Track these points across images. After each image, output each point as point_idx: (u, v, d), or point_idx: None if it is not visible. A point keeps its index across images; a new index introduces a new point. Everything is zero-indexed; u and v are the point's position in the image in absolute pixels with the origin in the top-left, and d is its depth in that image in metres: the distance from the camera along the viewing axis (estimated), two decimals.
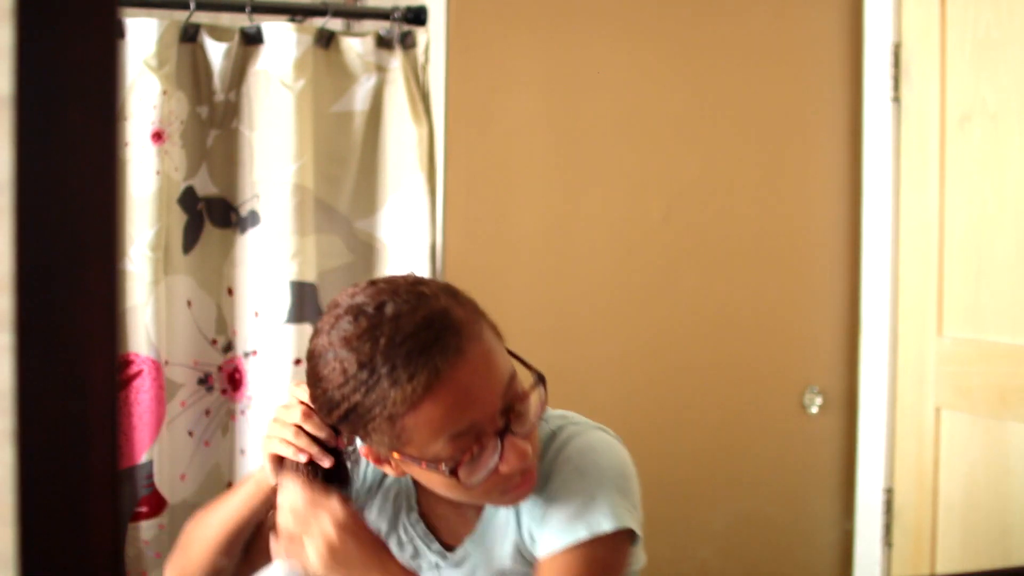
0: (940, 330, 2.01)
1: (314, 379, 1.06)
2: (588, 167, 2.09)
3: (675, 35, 2.13)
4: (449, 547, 1.19)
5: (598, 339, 2.08)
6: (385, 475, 1.23)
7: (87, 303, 0.60)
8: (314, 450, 1.09)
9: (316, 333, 1.06)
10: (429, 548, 1.19)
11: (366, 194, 2.03)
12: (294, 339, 1.93)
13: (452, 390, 0.99)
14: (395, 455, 1.05)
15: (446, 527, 1.20)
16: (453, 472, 1.02)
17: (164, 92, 1.89)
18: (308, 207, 1.95)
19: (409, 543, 1.20)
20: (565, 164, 2.08)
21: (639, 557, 1.17)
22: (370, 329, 1.00)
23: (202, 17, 1.98)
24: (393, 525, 1.22)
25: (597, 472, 1.10)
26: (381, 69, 2.02)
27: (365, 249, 2.03)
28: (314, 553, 1.04)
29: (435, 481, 1.07)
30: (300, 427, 1.09)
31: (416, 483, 1.21)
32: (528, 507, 1.13)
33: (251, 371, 1.97)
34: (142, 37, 1.89)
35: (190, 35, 1.95)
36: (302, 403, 1.10)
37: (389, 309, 1.01)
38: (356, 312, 1.02)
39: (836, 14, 2.17)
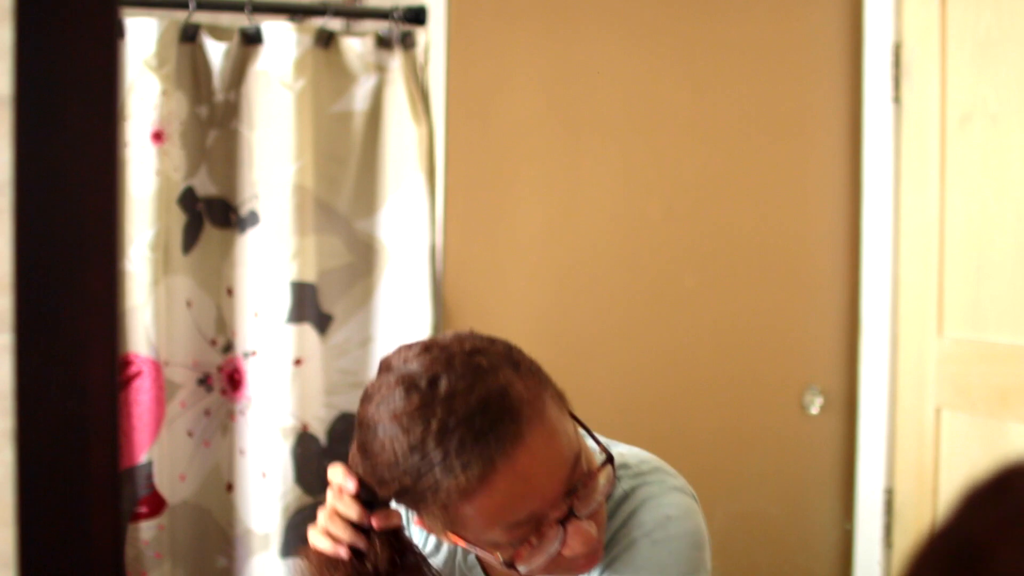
0: (940, 330, 2.01)
1: (364, 451, 0.99)
2: (588, 167, 2.09)
3: (675, 35, 2.13)
4: None
5: (598, 339, 2.08)
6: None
7: (87, 303, 0.60)
8: (348, 536, 1.01)
9: (367, 398, 1.00)
10: None
11: (366, 194, 2.03)
12: (294, 339, 1.93)
13: (509, 481, 0.92)
14: (450, 535, 1.00)
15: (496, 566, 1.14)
16: (511, 564, 0.97)
17: (164, 92, 1.89)
18: (308, 207, 1.95)
19: None
20: (565, 164, 2.08)
21: None
22: (422, 408, 0.93)
23: (202, 17, 1.98)
24: (449, 569, 1.17)
25: (675, 552, 1.04)
26: (381, 69, 2.02)
27: (365, 249, 2.03)
28: None
29: (492, 562, 1.02)
30: (335, 512, 1.02)
31: None
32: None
33: (251, 371, 1.97)
34: (142, 37, 1.89)
35: (190, 35, 1.95)
36: (335, 483, 1.03)
37: (443, 386, 0.93)
38: (408, 385, 0.95)
39: (836, 14, 2.17)
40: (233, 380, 2.00)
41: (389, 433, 0.95)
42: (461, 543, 1.00)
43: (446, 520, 0.97)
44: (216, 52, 1.96)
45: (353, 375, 2.01)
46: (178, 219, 1.95)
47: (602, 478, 0.99)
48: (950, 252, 1.99)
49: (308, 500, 1.94)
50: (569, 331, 2.08)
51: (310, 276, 1.96)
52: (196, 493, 1.98)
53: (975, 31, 1.93)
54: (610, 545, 1.06)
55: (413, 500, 0.97)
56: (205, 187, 1.99)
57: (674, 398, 2.13)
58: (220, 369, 2.00)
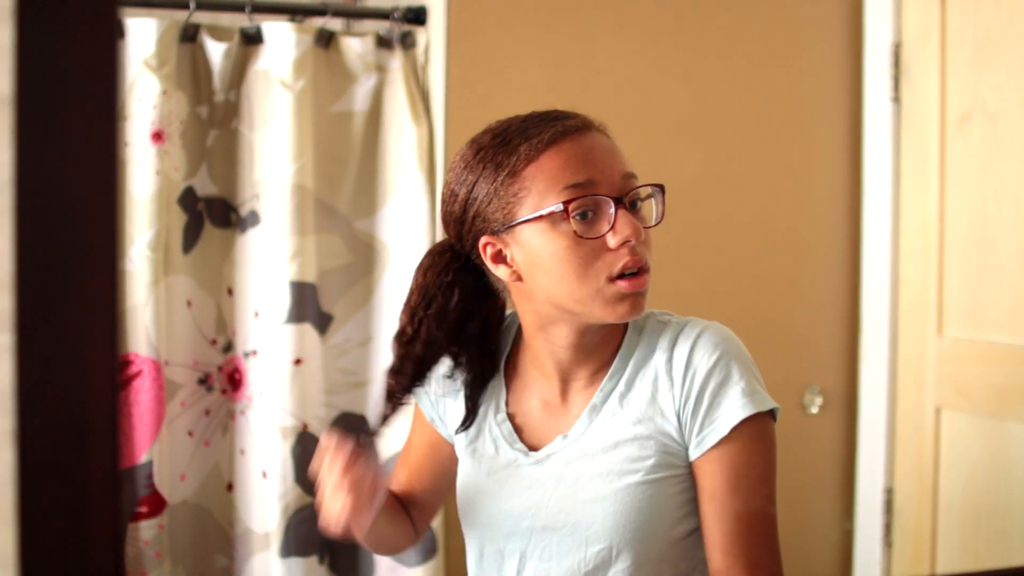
0: (940, 330, 2.01)
1: (445, 186, 1.17)
2: None
3: (675, 35, 2.13)
4: (533, 448, 1.20)
5: None
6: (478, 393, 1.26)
7: (87, 303, 0.60)
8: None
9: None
10: (512, 446, 1.20)
11: (366, 194, 2.03)
12: (294, 339, 1.93)
13: (575, 145, 1.10)
14: (511, 237, 1.10)
15: (532, 429, 1.20)
16: (566, 212, 1.07)
17: (164, 92, 1.89)
18: (308, 207, 1.95)
19: (492, 441, 1.22)
20: None
21: None
22: (506, 119, 1.16)
23: (202, 17, 1.98)
24: (479, 430, 1.24)
25: (742, 357, 1.16)
26: (381, 69, 2.02)
27: (365, 249, 2.03)
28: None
29: (546, 257, 1.09)
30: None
31: (507, 387, 1.23)
32: (669, 391, 1.13)
33: (251, 371, 1.97)
34: (142, 37, 1.89)
35: (190, 35, 1.95)
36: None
37: (526, 114, 1.15)
38: (481, 132, 1.18)
39: (836, 14, 2.17)
40: (233, 380, 2.00)
41: (472, 143, 1.15)
42: (520, 247, 1.10)
43: (510, 198, 1.09)
44: (216, 52, 1.96)
45: (353, 375, 2.01)
46: (178, 219, 1.95)
47: (653, 202, 1.15)
48: (950, 252, 1.99)
49: (308, 500, 1.94)
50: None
51: (310, 276, 1.96)
52: (196, 493, 1.98)
53: (975, 31, 1.93)
54: (672, 344, 1.16)
55: (484, 190, 1.11)
56: (205, 187, 1.99)
57: None
58: (220, 369, 2.00)
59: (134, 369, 1.89)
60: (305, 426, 1.94)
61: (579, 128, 1.12)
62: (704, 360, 1.13)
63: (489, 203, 1.11)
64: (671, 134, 2.13)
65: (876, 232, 2.13)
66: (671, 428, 1.13)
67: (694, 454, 1.12)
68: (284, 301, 1.93)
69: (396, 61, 2.01)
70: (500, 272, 1.14)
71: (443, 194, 1.17)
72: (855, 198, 2.17)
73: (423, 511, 1.34)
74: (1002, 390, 1.89)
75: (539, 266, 1.10)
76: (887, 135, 2.10)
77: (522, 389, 1.22)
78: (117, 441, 0.61)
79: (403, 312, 1.20)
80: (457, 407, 1.26)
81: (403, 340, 1.19)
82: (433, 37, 2.00)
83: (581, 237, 1.07)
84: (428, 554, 1.94)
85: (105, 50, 0.60)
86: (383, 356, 1.99)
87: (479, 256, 1.15)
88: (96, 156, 0.60)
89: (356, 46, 2.01)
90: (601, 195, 1.08)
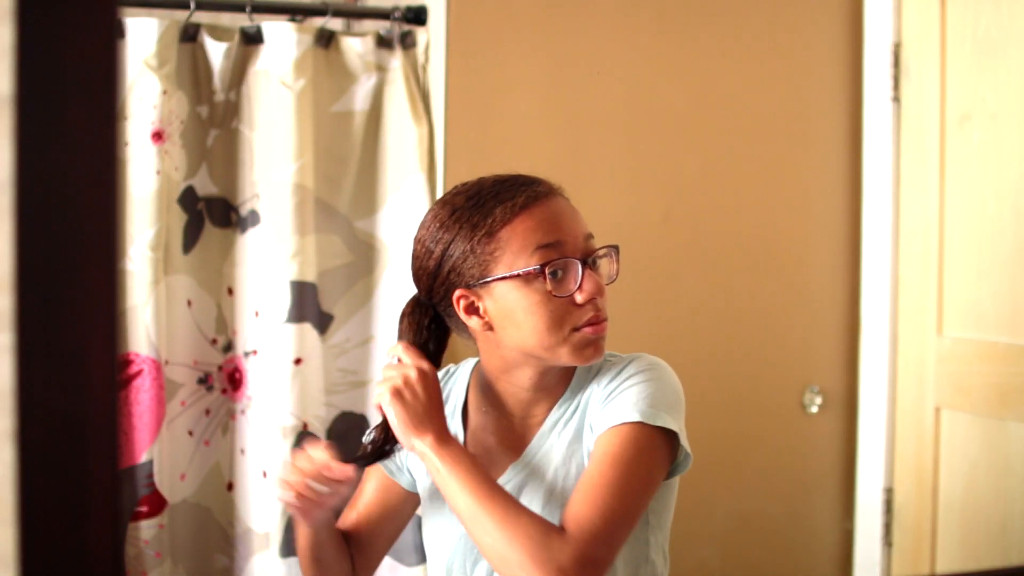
0: (940, 330, 2.01)
1: (416, 243, 1.25)
2: (588, 167, 2.09)
3: (675, 35, 2.13)
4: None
5: None
6: None
7: (87, 303, 0.60)
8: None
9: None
10: None
11: (366, 194, 2.03)
12: (294, 339, 1.93)
13: (545, 210, 1.20)
14: (484, 290, 1.19)
15: (491, 464, 1.28)
16: (540, 272, 1.17)
17: (164, 92, 1.89)
18: (308, 207, 1.95)
19: None
20: (564, 164, 2.08)
21: (682, 466, 1.28)
22: (477, 183, 1.25)
23: (202, 17, 1.97)
24: None
25: (662, 383, 1.23)
26: (381, 69, 2.02)
27: (365, 249, 2.03)
28: (388, 392, 1.20)
29: (519, 310, 1.19)
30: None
31: (465, 421, 1.31)
32: (593, 409, 1.24)
33: (251, 371, 1.97)
34: (142, 37, 1.89)
35: (190, 35, 1.95)
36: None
37: (490, 177, 1.26)
38: (459, 185, 1.27)
39: (836, 14, 2.17)
40: (233, 379, 2.00)
41: (444, 202, 1.24)
42: (493, 300, 1.20)
43: (486, 257, 1.18)
44: (216, 52, 1.96)
45: (353, 374, 2.01)
46: (178, 219, 1.95)
47: (610, 261, 1.24)
48: (950, 252, 1.99)
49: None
50: None
51: (310, 275, 1.96)
52: (196, 492, 1.98)
53: (974, 31, 1.93)
54: (609, 375, 1.24)
55: (460, 247, 1.20)
56: (205, 187, 1.99)
57: None
58: (220, 368, 2.00)
59: (134, 369, 1.89)
60: (305, 426, 1.94)
61: (547, 193, 1.23)
62: (625, 373, 1.23)
63: (465, 260, 1.20)
64: (671, 133, 2.13)
65: (876, 232, 2.13)
66: (589, 437, 1.24)
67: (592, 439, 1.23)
68: (284, 301, 1.93)
69: (396, 61, 2.01)
70: (472, 322, 1.23)
71: (416, 251, 1.26)
72: (855, 198, 2.17)
73: (367, 555, 1.40)
74: (1002, 390, 1.89)
75: (511, 318, 1.20)
76: (887, 135, 2.10)
77: (480, 429, 1.31)
78: (117, 441, 0.61)
79: None
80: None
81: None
82: (433, 37, 2.00)
83: (553, 295, 1.18)
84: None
85: (105, 50, 0.60)
86: (383, 356, 1.99)
87: (449, 307, 1.24)
88: (96, 156, 0.60)
89: (356, 46, 2.01)
90: (570, 256, 1.19)
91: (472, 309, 1.22)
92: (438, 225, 1.22)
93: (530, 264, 1.18)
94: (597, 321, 1.20)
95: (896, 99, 2.09)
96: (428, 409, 1.20)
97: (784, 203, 2.19)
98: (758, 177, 2.17)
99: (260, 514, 1.95)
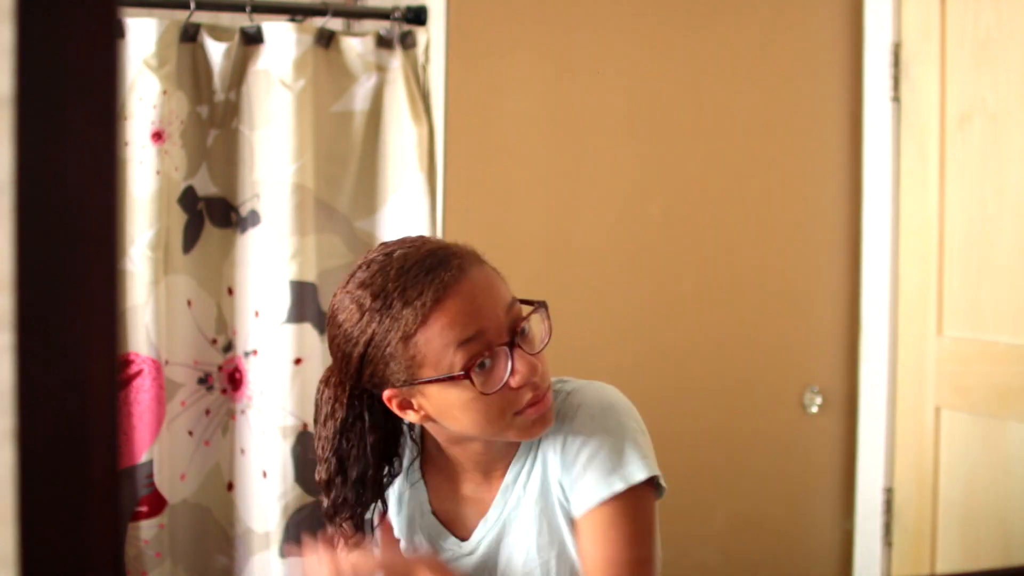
0: (940, 330, 2.01)
1: (333, 329, 1.15)
2: (588, 167, 2.09)
3: (675, 35, 2.13)
4: (464, 539, 1.25)
5: (598, 339, 2.08)
6: (401, 494, 1.28)
7: (87, 303, 0.60)
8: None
9: (334, 296, 1.17)
10: (444, 543, 1.25)
11: (366, 194, 2.03)
12: (294, 339, 1.93)
13: (457, 300, 1.09)
14: (415, 390, 1.12)
15: (459, 521, 1.25)
16: (467, 375, 1.08)
17: (164, 92, 1.89)
18: (308, 207, 1.95)
19: (428, 543, 1.26)
20: (565, 164, 2.08)
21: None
22: (381, 269, 1.12)
23: (202, 17, 1.97)
24: (412, 530, 1.28)
25: (619, 424, 1.17)
26: (381, 69, 2.02)
27: (365, 249, 2.02)
28: None
29: (455, 408, 1.12)
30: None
31: (427, 487, 1.26)
32: (556, 464, 1.18)
33: (251, 371, 1.97)
34: (142, 37, 1.89)
35: (190, 35, 1.95)
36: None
37: (397, 252, 1.13)
38: (368, 262, 1.14)
39: (836, 14, 2.17)
40: (233, 379, 2.00)
41: (355, 296, 1.12)
42: (425, 399, 1.12)
43: (408, 361, 1.09)
44: (216, 52, 1.96)
45: None
46: (178, 219, 1.95)
47: (539, 321, 1.16)
48: (950, 252, 1.99)
49: (308, 499, 1.94)
50: (569, 331, 2.07)
51: (310, 276, 1.96)
52: (196, 492, 1.98)
53: (974, 31, 1.93)
54: (563, 430, 1.17)
55: (378, 350, 1.10)
56: (205, 187, 1.99)
57: (674, 398, 2.13)
58: (220, 368, 2.00)
59: (134, 369, 1.89)
60: (305, 426, 1.94)
61: (457, 278, 1.10)
62: (581, 432, 1.16)
63: (387, 365, 1.11)
64: (671, 133, 2.13)
65: (876, 232, 2.13)
66: (562, 496, 1.19)
67: (573, 513, 1.18)
68: (284, 301, 1.94)
69: (396, 61, 2.01)
70: (409, 417, 1.16)
71: (333, 334, 1.16)
72: (855, 198, 2.17)
73: None
74: (1002, 390, 1.89)
75: (448, 414, 1.14)
76: (887, 135, 2.10)
77: (444, 483, 1.27)
78: (117, 441, 0.61)
79: (322, 462, 1.21)
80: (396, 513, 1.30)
81: (331, 488, 1.21)
82: (433, 37, 2.00)
83: (486, 394, 1.10)
84: None
85: (105, 50, 0.60)
86: None
87: (382, 400, 1.17)
88: (96, 156, 0.60)
89: (356, 46, 2.01)
90: (493, 344, 1.10)
91: (406, 405, 1.15)
92: (355, 320, 1.12)
93: (454, 365, 1.09)
94: (537, 400, 1.13)
95: (896, 99, 2.09)
96: None
97: (784, 203, 2.19)
98: (758, 177, 2.17)
99: (260, 514, 1.95)
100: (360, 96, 2.01)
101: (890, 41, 2.09)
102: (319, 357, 1.96)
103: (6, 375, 0.58)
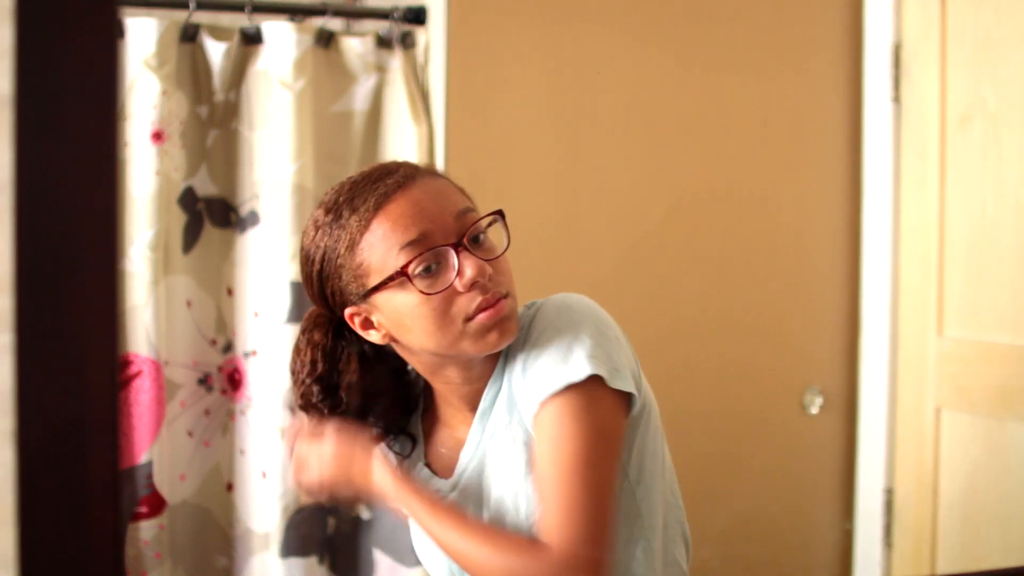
0: (940, 330, 2.01)
1: (300, 258, 1.17)
2: (588, 167, 2.09)
3: (675, 35, 2.13)
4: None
5: None
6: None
7: (87, 303, 0.60)
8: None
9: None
10: (433, 484, 1.22)
11: None
12: (294, 339, 1.93)
13: (401, 203, 1.09)
14: (371, 305, 1.11)
15: (444, 465, 1.23)
16: (404, 273, 1.07)
17: (164, 92, 1.89)
18: (308, 207, 1.95)
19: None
20: (565, 164, 2.08)
21: (645, 402, 1.19)
22: (337, 188, 1.15)
23: (202, 17, 1.97)
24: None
25: (570, 322, 1.12)
26: (381, 69, 2.02)
27: None
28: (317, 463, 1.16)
29: (404, 316, 1.10)
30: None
31: (425, 443, 1.25)
32: (519, 378, 1.13)
33: (251, 371, 1.97)
34: (142, 37, 1.89)
35: (190, 35, 1.95)
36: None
37: (355, 174, 1.16)
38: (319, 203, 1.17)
39: (836, 14, 2.17)
40: (233, 380, 2.00)
41: (314, 216, 1.14)
42: (381, 313, 1.12)
43: (356, 271, 1.10)
44: (216, 52, 1.96)
45: None
46: (178, 219, 1.95)
47: (497, 229, 1.14)
48: (950, 252, 1.99)
49: (308, 500, 1.94)
50: None
51: None
52: (196, 493, 1.98)
53: (975, 31, 1.93)
54: (526, 337, 1.14)
55: (332, 263, 1.12)
56: (205, 187, 1.99)
57: (674, 398, 2.13)
58: (220, 369, 2.00)
59: (134, 369, 1.89)
60: None
61: (401, 184, 1.10)
62: (534, 330, 1.13)
63: (340, 277, 1.12)
64: (671, 133, 2.13)
65: (876, 232, 2.13)
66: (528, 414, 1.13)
67: (526, 423, 1.14)
68: (284, 301, 1.94)
69: (396, 61, 2.01)
70: (372, 337, 1.15)
71: (300, 264, 1.18)
72: (855, 198, 2.17)
73: None
74: (1002, 390, 1.89)
75: (402, 326, 1.12)
76: (887, 135, 2.10)
77: (443, 431, 1.24)
78: (117, 441, 0.61)
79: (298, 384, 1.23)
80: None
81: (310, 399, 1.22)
82: (433, 37, 2.00)
83: (428, 294, 1.08)
84: None
85: (105, 50, 0.60)
86: None
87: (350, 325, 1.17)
88: (96, 156, 0.60)
89: (356, 46, 2.01)
90: (438, 245, 1.08)
91: (368, 324, 1.14)
92: (311, 237, 1.14)
93: (397, 267, 1.08)
94: (490, 304, 1.09)
95: (896, 99, 2.09)
96: (352, 468, 1.15)
97: (784, 203, 2.19)
98: (758, 177, 2.17)
99: (260, 514, 1.95)
100: (360, 96, 2.01)
101: (890, 41, 2.09)
102: None
103: (6, 375, 0.58)
